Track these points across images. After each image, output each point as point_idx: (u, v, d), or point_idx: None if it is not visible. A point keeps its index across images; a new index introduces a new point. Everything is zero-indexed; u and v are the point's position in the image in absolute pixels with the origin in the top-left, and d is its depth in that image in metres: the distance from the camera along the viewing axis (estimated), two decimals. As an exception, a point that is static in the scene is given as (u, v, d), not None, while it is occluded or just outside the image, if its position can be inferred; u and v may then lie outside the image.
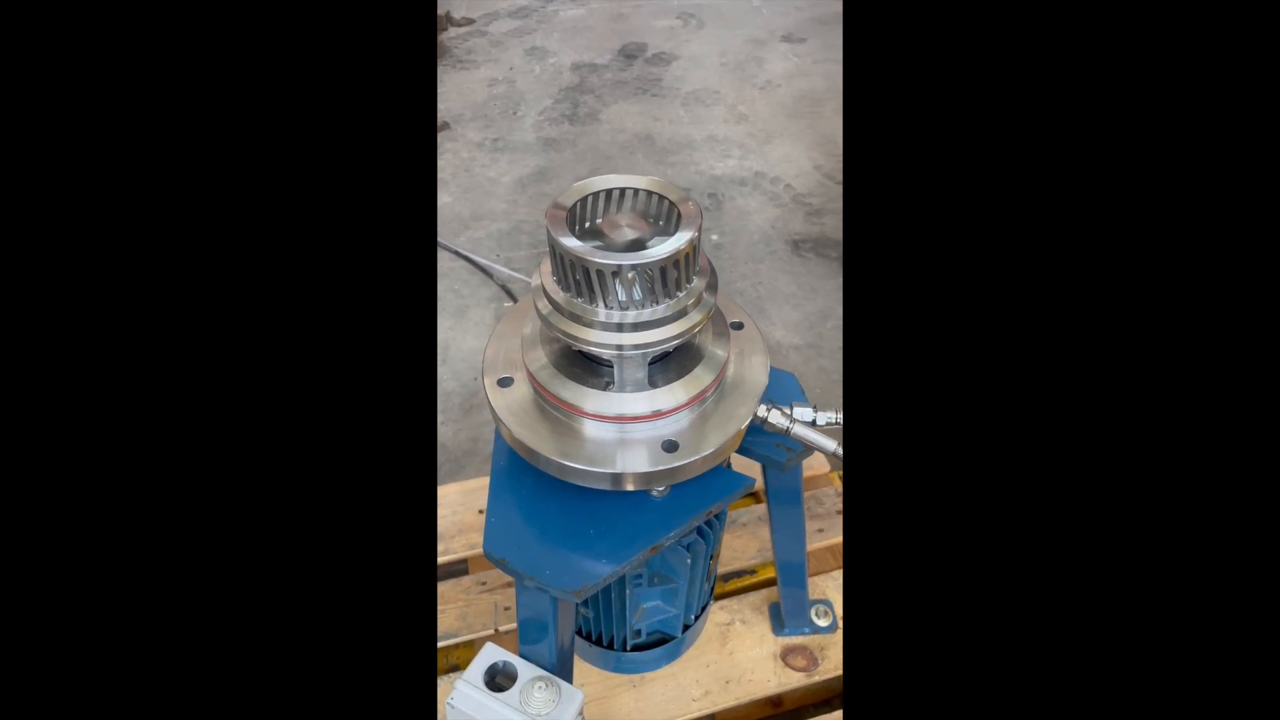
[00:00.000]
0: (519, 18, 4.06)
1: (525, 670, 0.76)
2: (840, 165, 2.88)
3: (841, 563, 1.38)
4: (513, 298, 2.28)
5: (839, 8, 4.13)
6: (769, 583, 1.36)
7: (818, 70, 3.53)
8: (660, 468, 0.67)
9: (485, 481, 1.56)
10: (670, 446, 0.68)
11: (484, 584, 1.38)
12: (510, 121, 3.17)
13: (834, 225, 2.58)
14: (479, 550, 1.44)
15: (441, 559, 1.42)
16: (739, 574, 1.39)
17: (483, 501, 1.53)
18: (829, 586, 1.33)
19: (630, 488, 0.69)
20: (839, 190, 2.75)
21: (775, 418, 0.71)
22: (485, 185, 2.79)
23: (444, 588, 1.37)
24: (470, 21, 3.99)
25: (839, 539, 1.41)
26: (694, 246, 0.62)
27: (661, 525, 0.73)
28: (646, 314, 0.63)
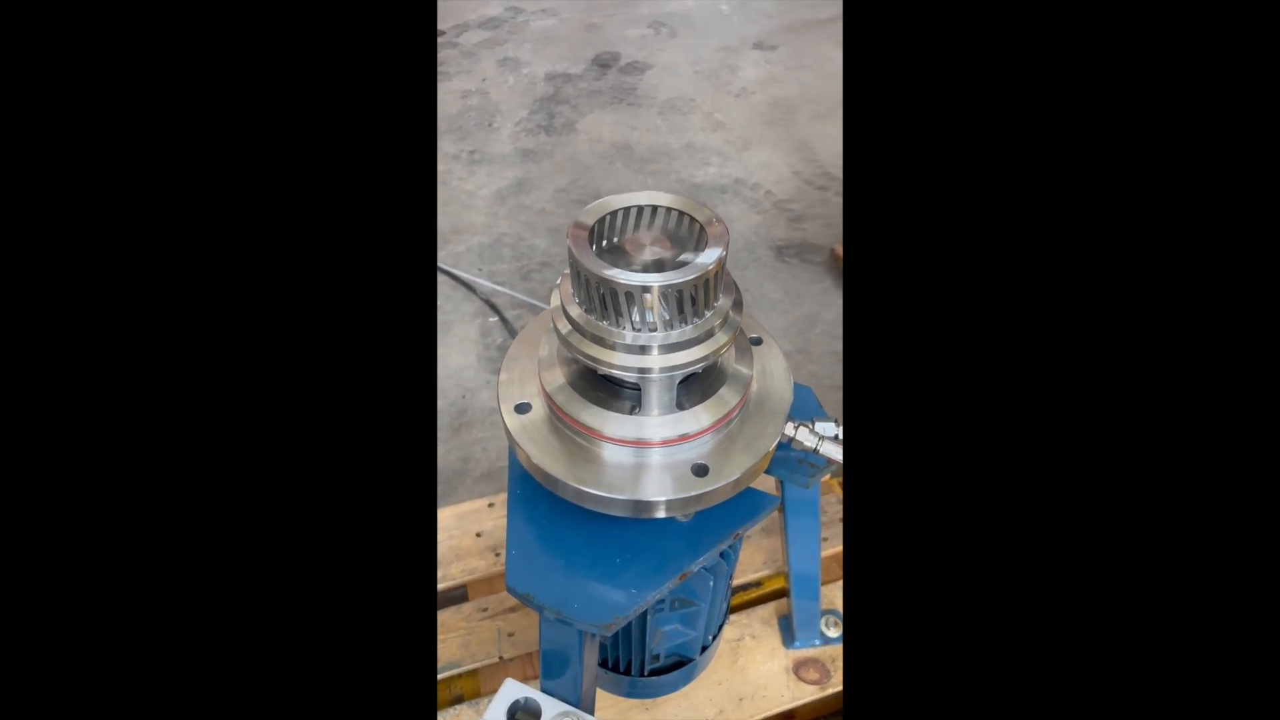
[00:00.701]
0: (489, 28, 4.03)
1: (549, 706, 0.73)
2: (818, 171, 2.90)
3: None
4: (498, 313, 2.24)
5: (808, 15, 4.19)
6: (777, 594, 1.35)
7: (790, 77, 3.57)
8: (691, 493, 0.65)
9: (479, 504, 1.53)
10: (700, 470, 0.66)
11: (485, 610, 1.34)
12: (486, 133, 3.13)
13: (816, 230, 2.60)
14: (478, 576, 1.40)
15: (439, 586, 1.38)
16: (745, 587, 1.37)
17: (478, 525, 1.49)
18: (837, 596, 1.32)
19: (659, 515, 0.67)
20: (819, 196, 2.77)
21: (803, 436, 0.70)
22: (463, 198, 2.74)
23: (443, 616, 1.33)
24: (440, 33, 3.94)
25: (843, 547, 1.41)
26: (722, 265, 0.60)
27: (689, 551, 0.70)
28: (675, 335, 0.61)
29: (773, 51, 3.81)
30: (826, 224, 2.63)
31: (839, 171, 2.88)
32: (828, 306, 2.30)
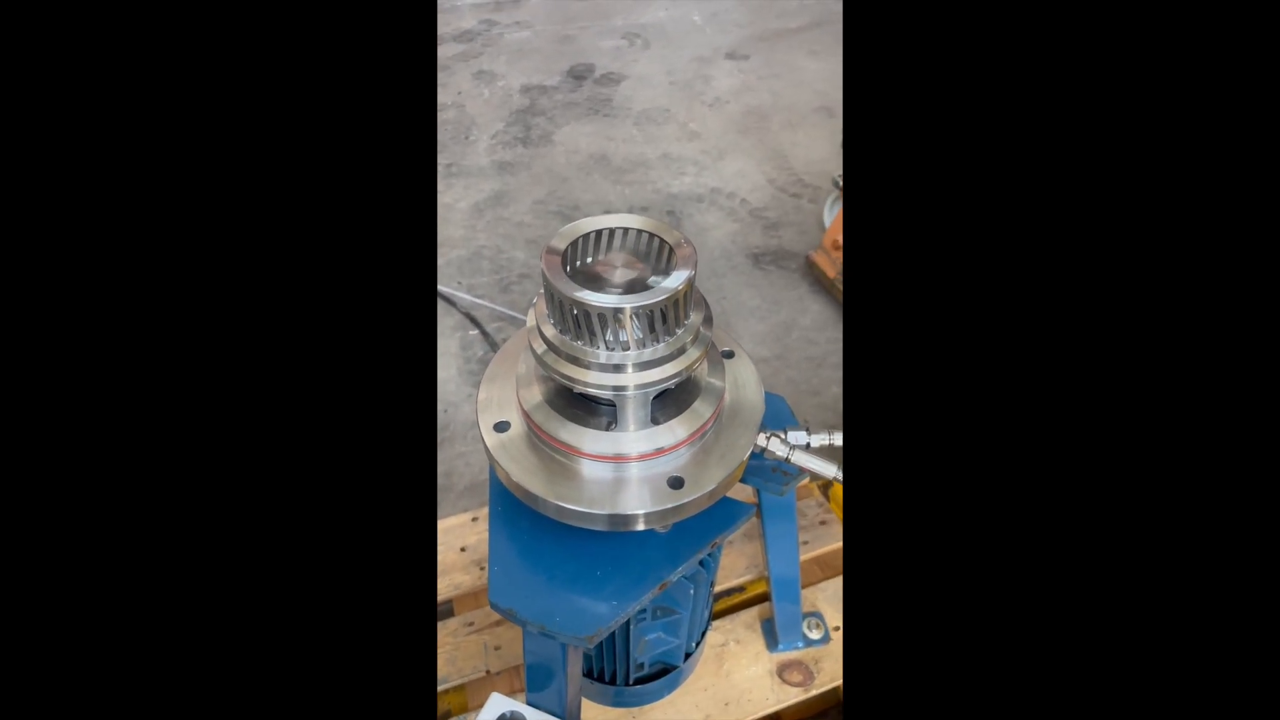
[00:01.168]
0: (463, 41, 4.04)
1: (536, 719, 0.74)
2: (792, 179, 2.95)
3: (828, 574, 1.40)
4: (478, 326, 2.25)
5: (779, 25, 4.25)
6: (759, 599, 1.37)
7: (763, 86, 3.62)
8: (668, 506, 0.67)
9: (463, 519, 1.53)
10: (676, 483, 0.68)
11: (471, 624, 1.34)
12: (462, 146, 3.14)
13: (791, 237, 2.64)
14: (463, 591, 1.40)
15: (425, 602, 1.38)
16: (728, 592, 1.39)
17: (462, 539, 1.50)
18: (818, 598, 1.35)
19: (638, 528, 0.69)
20: (794, 203, 2.82)
21: (775, 446, 0.72)
22: (441, 212, 2.74)
23: (430, 632, 1.33)
24: (414, 46, 3.94)
25: (823, 550, 1.43)
26: (691, 285, 0.62)
27: (668, 561, 0.72)
28: (648, 353, 0.63)
29: (745, 61, 3.87)
30: (801, 231, 2.67)
31: (813, 179, 2.93)
32: (804, 312, 2.34)
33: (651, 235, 0.66)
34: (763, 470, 0.80)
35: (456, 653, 1.30)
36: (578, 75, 3.70)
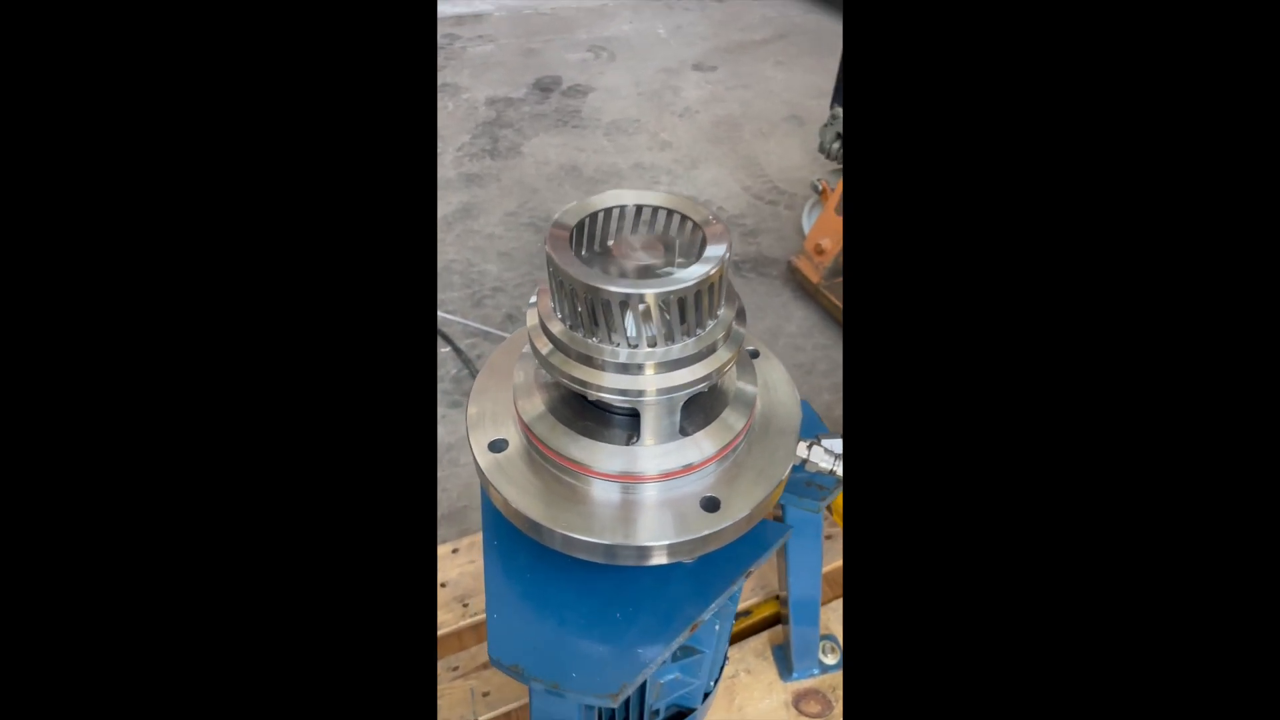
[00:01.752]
0: (425, 54, 3.93)
1: (545, 791, 0.63)
2: (768, 186, 2.91)
3: (839, 593, 1.31)
4: (450, 343, 2.12)
5: (742, 37, 4.27)
6: (770, 622, 1.27)
7: (731, 96, 3.61)
8: (701, 534, 0.56)
9: (442, 551, 1.40)
10: (711, 505, 0.58)
11: (455, 669, 1.21)
12: (426, 158, 3.02)
13: (769, 244, 2.59)
14: (446, 630, 1.27)
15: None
16: (736, 617, 1.29)
17: (442, 574, 1.37)
18: (831, 619, 1.26)
19: (661, 561, 0.58)
20: (770, 210, 2.77)
21: (817, 456, 0.63)
22: (406, 225, 2.62)
23: (408, 682, 1.19)
24: (373, 59, 3.82)
25: (832, 567, 1.35)
26: (725, 269, 0.53)
27: (699, 596, 0.62)
28: (675, 350, 0.53)
29: (712, 72, 3.85)
30: (779, 237, 2.62)
31: (788, 186, 2.90)
32: (788, 319, 2.28)
33: (672, 213, 0.56)
34: (795, 484, 0.71)
35: (440, 701, 1.17)
36: (544, 87, 3.63)
